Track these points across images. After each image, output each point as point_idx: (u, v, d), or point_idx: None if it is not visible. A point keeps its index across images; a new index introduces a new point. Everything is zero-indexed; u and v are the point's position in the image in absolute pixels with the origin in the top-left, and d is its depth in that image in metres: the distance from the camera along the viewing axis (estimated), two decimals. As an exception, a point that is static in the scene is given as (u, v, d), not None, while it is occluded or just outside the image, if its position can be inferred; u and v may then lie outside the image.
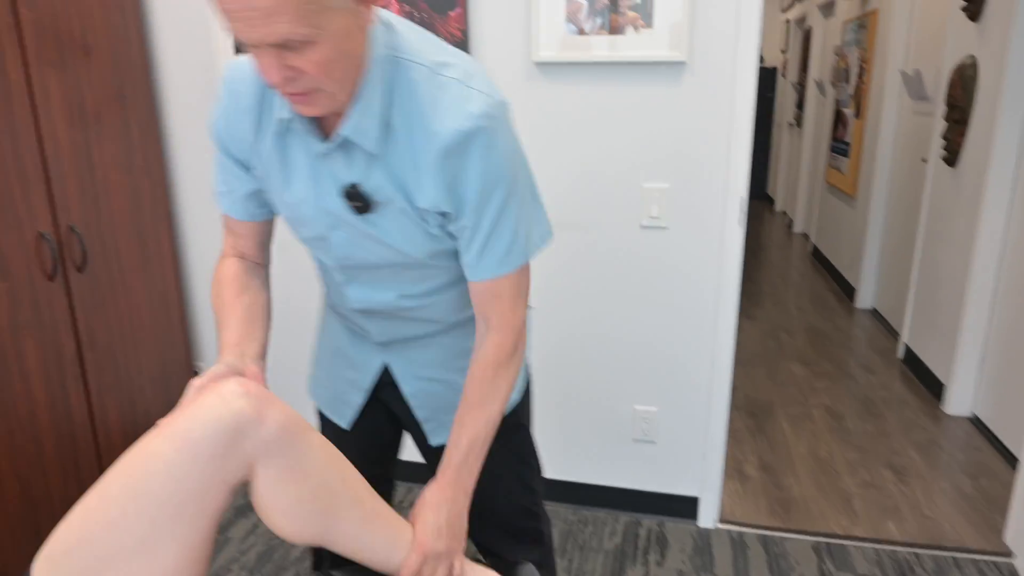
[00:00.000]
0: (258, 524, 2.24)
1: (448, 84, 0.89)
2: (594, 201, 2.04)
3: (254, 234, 1.10)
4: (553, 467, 2.32)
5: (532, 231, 1.01)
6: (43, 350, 1.85)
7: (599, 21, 1.88)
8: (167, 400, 2.32)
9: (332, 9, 0.76)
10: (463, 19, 1.96)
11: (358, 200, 0.93)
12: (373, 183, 0.93)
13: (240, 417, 0.80)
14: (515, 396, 1.22)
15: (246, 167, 1.02)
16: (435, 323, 1.12)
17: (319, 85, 0.82)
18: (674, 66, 1.88)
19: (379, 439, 1.27)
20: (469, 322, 1.14)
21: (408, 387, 1.17)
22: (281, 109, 0.92)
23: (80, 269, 1.95)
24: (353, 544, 0.92)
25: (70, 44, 1.89)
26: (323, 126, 0.94)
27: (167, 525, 0.79)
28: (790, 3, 7.28)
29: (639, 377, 2.16)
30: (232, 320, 1.00)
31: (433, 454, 1.21)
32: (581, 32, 1.89)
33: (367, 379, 1.19)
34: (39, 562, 0.79)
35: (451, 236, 0.99)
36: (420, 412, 1.19)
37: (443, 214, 0.95)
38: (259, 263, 1.13)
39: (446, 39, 1.98)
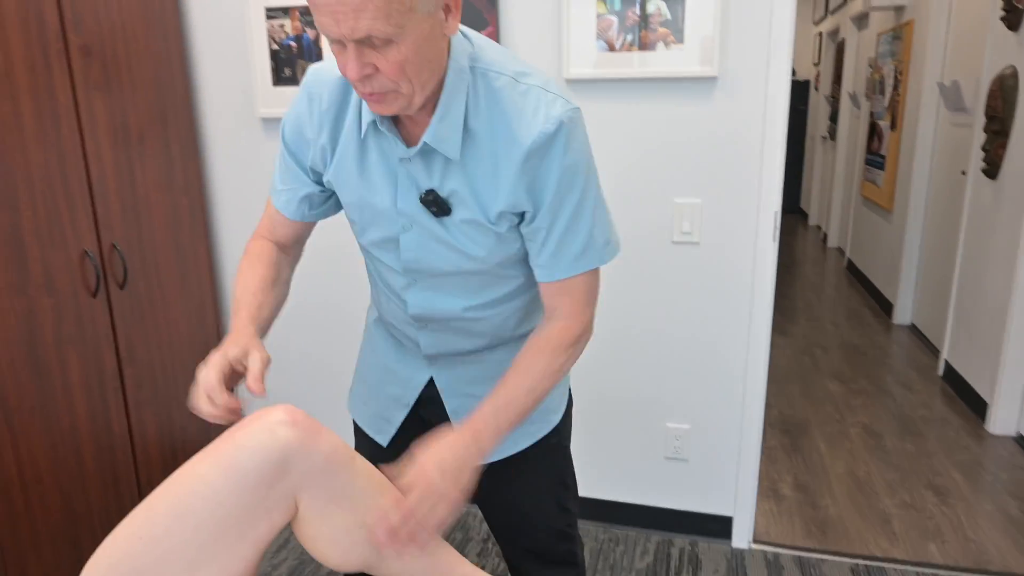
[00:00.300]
0: (289, 539, 2.26)
1: (530, 90, 0.94)
2: (626, 217, 2.03)
3: (297, 231, 1.14)
4: (584, 485, 2.30)
5: (607, 235, 1.04)
6: (85, 364, 1.90)
7: (629, 37, 1.88)
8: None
9: (417, 12, 0.80)
10: (495, 37, 1.98)
11: (435, 205, 0.97)
12: (449, 187, 0.97)
13: (287, 448, 0.81)
14: (557, 417, 1.21)
15: (308, 169, 1.06)
16: (488, 337, 1.13)
17: (395, 86, 0.85)
18: (705, 81, 1.88)
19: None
20: (521, 339, 1.12)
21: (452, 403, 1.17)
22: (368, 113, 0.95)
23: (121, 286, 2.00)
24: (394, 570, 0.93)
25: (115, 68, 1.95)
26: (407, 132, 0.98)
27: (209, 547, 0.80)
28: (822, 16, 7.21)
29: (671, 394, 2.14)
30: (255, 281, 1.05)
31: (487, 478, 1.18)
32: (611, 49, 1.90)
33: (411, 394, 1.19)
34: (85, 573, 0.81)
35: (522, 239, 1.02)
36: None
37: (519, 215, 0.98)
38: (291, 255, 1.17)
39: (477, 58, 2.00)
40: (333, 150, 1.02)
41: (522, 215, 0.98)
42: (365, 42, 0.80)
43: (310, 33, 2.13)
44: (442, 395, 1.18)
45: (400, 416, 1.21)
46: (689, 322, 2.07)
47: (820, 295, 4.98)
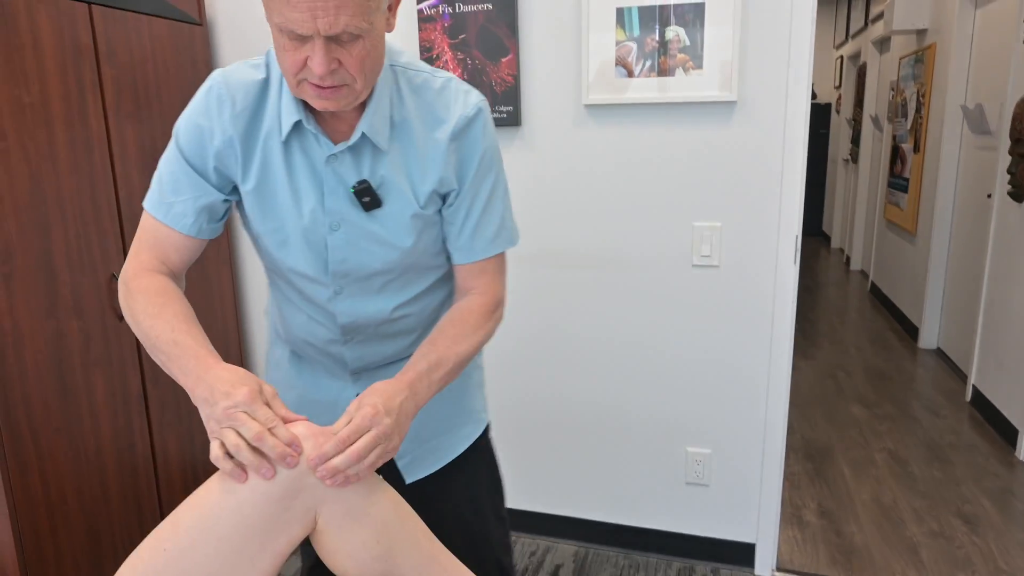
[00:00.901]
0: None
1: (447, 83, 1.03)
2: (645, 240, 2.04)
3: (191, 251, 1.03)
4: (603, 510, 2.28)
5: (513, 221, 1.12)
6: (111, 386, 1.93)
7: (648, 64, 1.90)
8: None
9: (380, 10, 0.85)
10: (515, 65, 2.01)
11: (367, 194, 0.98)
12: (379, 177, 0.99)
13: (307, 463, 0.82)
14: (486, 416, 1.28)
15: (209, 174, 0.99)
16: (412, 337, 1.14)
17: (352, 80, 0.88)
18: (724, 106, 1.89)
19: None
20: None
21: None
22: (290, 114, 0.95)
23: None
24: None
25: (145, 97, 2.00)
26: (330, 130, 0.99)
27: (231, 560, 0.81)
28: (843, 40, 7.22)
29: (692, 418, 2.12)
30: (199, 334, 0.91)
31: (409, 493, 1.14)
32: (630, 75, 1.92)
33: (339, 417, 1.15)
34: (124, 572, 0.83)
35: (442, 223, 1.06)
36: None
37: (443, 196, 1.03)
38: (182, 288, 1.04)
39: (498, 84, 2.03)
40: (248, 155, 0.98)
41: (445, 196, 1.04)
42: (335, 38, 0.83)
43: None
44: None
45: None
46: (709, 345, 2.05)
47: (843, 318, 4.92)
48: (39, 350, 1.73)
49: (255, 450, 0.80)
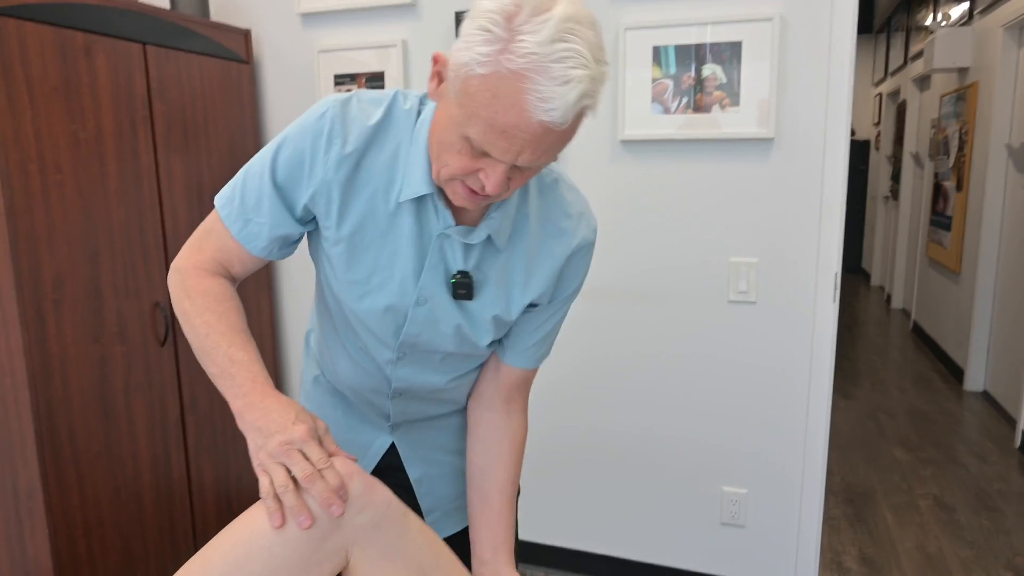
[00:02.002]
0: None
1: (571, 191, 0.99)
2: (680, 275, 2.02)
3: (254, 267, 1.00)
4: (635, 548, 2.23)
5: None
6: (151, 411, 1.97)
7: (685, 100, 1.91)
8: (258, 463, 2.40)
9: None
10: (550, 101, 2.03)
11: (463, 288, 0.94)
12: (482, 273, 0.95)
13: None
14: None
15: (295, 207, 0.93)
16: (454, 404, 1.13)
17: (509, 194, 0.85)
18: (762, 143, 1.89)
19: None
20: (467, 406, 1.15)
21: (415, 471, 1.14)
22: (420, 183, 0.88)
23: (188, 335, 2.08)
24: None
25: (193, 132, 2.08)
26: (453, 208, 0.92)
27: None
28: (882, 77, 7.17)
29: (728, 457, 2.08)
30: (254, 352, 0.91)
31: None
32: (667, 111, 1.93)
33: (370, 463, 1.15)
34: None
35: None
36: (425, 501, 1.15)
37: (532, 305, 1.00)
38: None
39: (534, 120, 2.06)
40: (347, 203, 0.90)
41: (535, 306, 1.01)
42: (526, 166, 0.78)
43: (436, 56, 2.23)
44: (405, 463, 1.14)
45: None
46: (746, 383, 2.02)
47: (884, 358, 4.80)
48: (84, 375, 1.77)
49: (298, 494, 0.80)
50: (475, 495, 1.08)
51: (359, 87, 2.24)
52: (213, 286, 0.93)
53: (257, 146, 2.35)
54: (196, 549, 2.13)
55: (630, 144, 2.00)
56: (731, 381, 2.03)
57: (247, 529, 0.83)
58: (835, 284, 1.90)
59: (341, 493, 0.80)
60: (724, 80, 1.87)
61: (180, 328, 2.03)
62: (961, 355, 4.21)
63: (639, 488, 2.19)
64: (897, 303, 6.25)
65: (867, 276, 7.82)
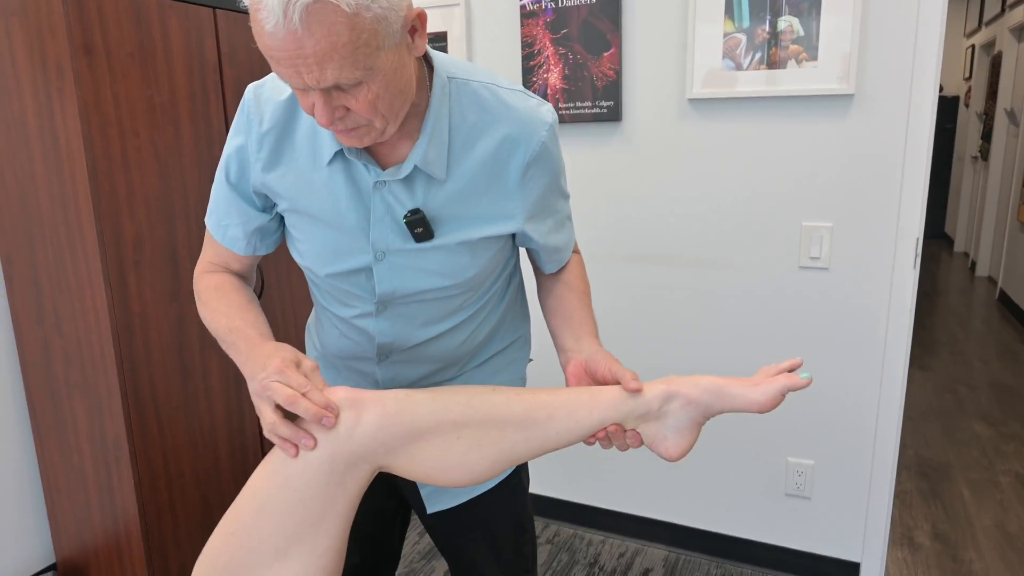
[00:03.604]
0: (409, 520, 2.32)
1: (512, 96, 0.94)
2: (749, 240, 1.96)
3: (251, 263, 1.06)
4: (696, 516, 2.22)
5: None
6: (224, 369, 2.05)
7: (759, 56, 1.83)
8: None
9: (383, 49, 0.75)
10: (617, 59, 1.98)
11: (420, 225, 0.91)
12: (434, 207, 0.92)
13: (337, 432, 0.84)
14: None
15: (252, 198, 0.98)
16: (446, 363, 1.08)
17: (368, 122, 0.81)
18: (841, 99, 1.79)
19: (381, 511, 1.20)
20: (475, 371, 1.12)
21: None
22: (332, 143, 0.89)
23: (259, 295, 2.15)
24: (536, 445, 0.88)
25: (261, 95, 2.11)
26: (379, 154, 0.92)
27: (293, 532, 0.84)
28: (975, 27, 6.68)
29: (794, 427, 2.03)
30: (254, 318, 0.96)
31: (430, 521, 1.15)
32: (739, 67, 1.85)
33: None
34: (196, 568, 0.88)
35: (497, 247, 1.00)
36: None
37: (515, 222, 0.97)
38: (250, 284, 1.09)
39: (599, 79, 2.01)
40: (281, 179, 0.94)
41: (515, 222, 0.97)
42: (332, 88, 0.76)
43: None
44: None
45: None
46: (816, 352, 1.95)
47: (966, 328, 4.56)
48: (163, 332, 1.86)
49: (291, 423, 0.82)
50: (550, 309, 1.10)
51: (422, 48, 2.23)
52: (212, 280, 1.02)
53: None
54: (269, 500, 2.23)
55: (699, 103, 1.93)
56: (800, 350, 1.97)
57: (263, 472, 0.86)
58: (916, 250, 1.80)
59: (329, 408, 0.82)
60: (801, 33, 1.77)
61: (251, 289, 2.10)
62: (1052, 326, 3.97)
63: (702, 456, 2.16)
64: (983, 270, 5.92)
65: (950, 242, 7.43)
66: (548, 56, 2.06)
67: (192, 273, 1.91)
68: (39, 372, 1.91)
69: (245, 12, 2.01)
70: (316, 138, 0.91)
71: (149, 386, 1.83)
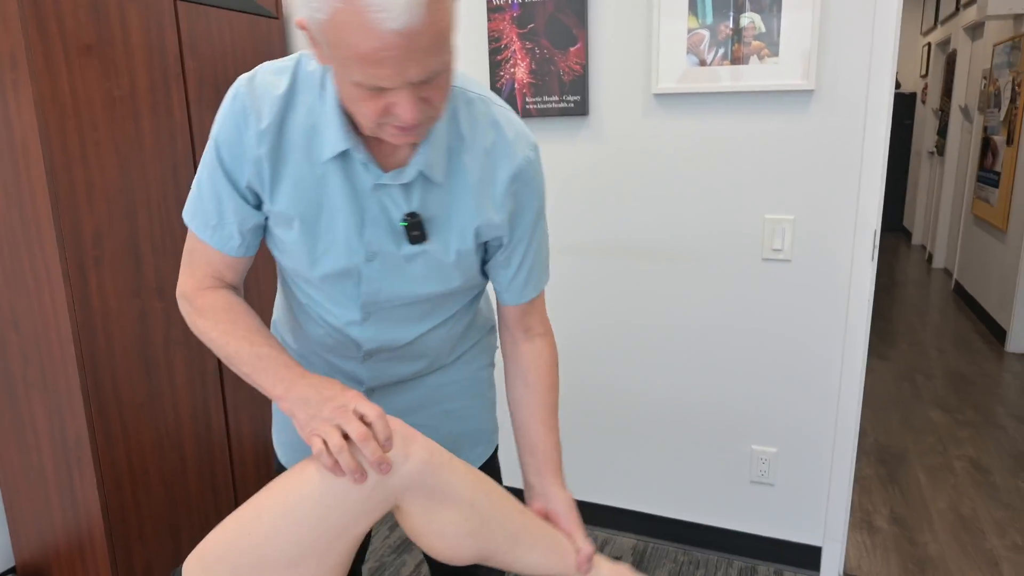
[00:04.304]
0: (370, 541, 2.32)
1: (505, 113, 0.95)
2: (714, 232, 1.99)
3: (244, 267, 1.00)
4: (663, 504, 2.25)
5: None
6: (190, 365, 2.02)
7: (721, 52, 1.85)
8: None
9: (455, 26, 0.76)
10: (583, 54, 1.99)
11: (416, 228, 0.91)
12: (430, 211, 0.92)
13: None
14: (497, 436, 1.24)
15: (247, 197, 0.93)
16: (429, 360, 1.10)
17: (436, 111, 0.80)
18: (801, 95, 1.83)
19: None
20: (455, 362, 1.14)
21: None
22: (337, 141, 0.87)
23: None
24: (508, 558, 0.95)
25: (224, 87, 2.08)
26: (379, 156, 0.91)
27: (311, 546, 0.84)
28: (931, 26, 6.86)
29: (758, 416, 2.07)
30: (278, 345, 0.94)
31: None
32: (703, 63, 1.88)
33: None
34: (190, 562, 0.87)
35: (481, 259, 1.02)
36: None
37: (494, 239, 0.99)
38: (240, 293, 1.04)
39: (565, 74, 2.02)
40: (277, 175, 0.90)
41: (496, 240, 0.98)
42: (426, 79, 0.74)
43: (298, 24, 2.20)
44: None
45: None
46: (779, 342, 2.00)
47: (923, 318, 4.70)
48: (126, 329, 1.82)
49: (353, 453, 0.82)
50: (516, 426, 1.10)
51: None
52: (218, 299, 0.96)
53: (288, 103, 2.35)
54: (236, 497, 2.21)
55: (664, 98, 1.96)
56: (764, 340, 2.01)
57: (299, 478, 0.86)
58: (874, 242, 1.85)
59: (387, 446, 0.83)
60: (763, 30, 1.81)
61: (216, 284, 2.07)
62: (1004, 316, 4.11)
63: (669, 446, 2.20)
64: (939, 262, 6.09)
65: (908, 235, 7.62)
66: (515, 51, 2.06)
67: (154, 268, 1.88)
68: (-4, 371, 1.86)
69: (207, 4, 1.98)
70: (313, 135, 0.89)
71: (112, 384, 1.80)
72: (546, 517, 1.04)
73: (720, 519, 2.20)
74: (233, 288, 1.00)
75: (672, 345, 2.12)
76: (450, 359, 1.13)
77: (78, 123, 1.67)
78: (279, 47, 2.29)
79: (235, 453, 2.21)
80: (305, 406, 0.86)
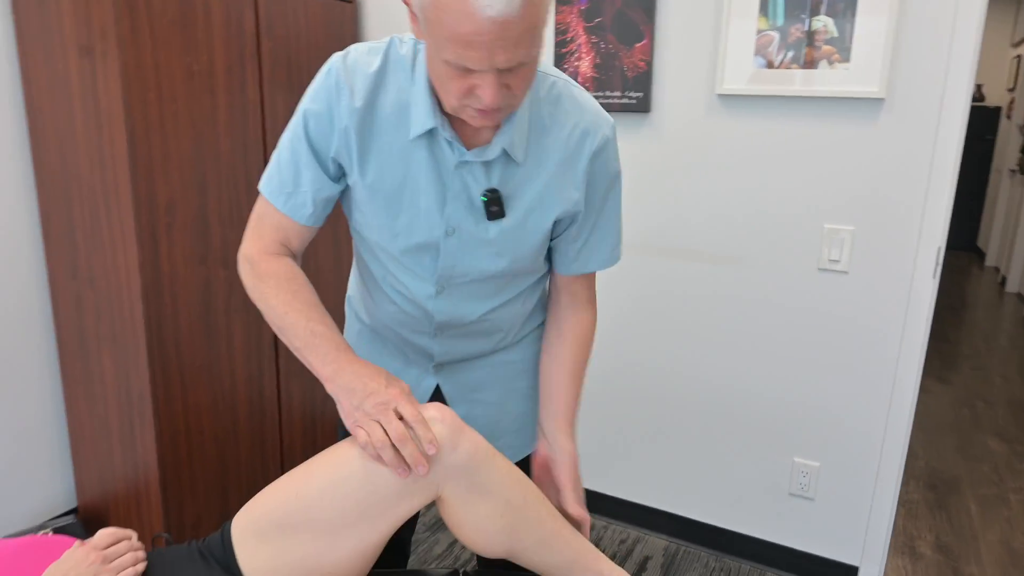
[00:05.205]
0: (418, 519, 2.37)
1: (582, 94, 1.00)
2: (769, 238, 1.96)
3: (310, 236, 1.05)
4: (699, 509, 2.24)
5: (621, 238, 1.12)
6: (248, 333, 2.11)
7: (791, 55, 1.82)
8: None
9: (545, 24, 0.81)
10: (648, 51, 1.98)
11: (495, 205, 0.96)
12: (508, 189, 0.97)
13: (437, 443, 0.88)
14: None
15: (329, 168, 0.98)
16: (497, 338, 1.14)
17: (515, 99, 0.85)
18: (871, 103, 1.78)
19: None
20: (522, 341, 1.18)
21: (460, 410, 1.17)
22: (425, 119, 0.91)
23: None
24: (536, 559, 0.98)
25: (296, 68, 2.15)
26: (463, 135, 0.95)
27: (354, 520, 0.88)
28: (1023, 38, 6.52)
29: (802, 428, 2.04)
30: (333, 324, 0.98)
31: None
32: (770, 65, 1.85)
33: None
34: (240, 516, 0.93)
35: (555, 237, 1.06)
36: None
37: (571, 215, 1.02)
38: (299, 262, 1.08)
39: (629, 70, 2.02)
40: (365, 149, 0.95)
41: (569, 216, 1.02)
42: (510, 68, 0.79)
43: None
44: (449, 403, 1.17)
45: None
46: (830, 354, 1.96)
47: (991, 343, 4.50)
48: (191, 294, 1.91)
49: (395, 448, 0.86)
50: (542, 373, 1.13)
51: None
52: (281, 267, 1.00)
53: (356, 86, 2.41)
54: (283, 462, 2.30)
55: (728, 99, 1.93)
56: (814, 352, 1.98)
57: (348, 453, 0.90)
58: (937, 259, 1.79)
59: (430, 450, 0.86)
60: (835, 34, 1.77)
61: (277, 257, 2.14)
62: (1079, 346, 3.90)
63: (709, 450, 2.18)
64: (1013, 286, 5.82)
65: (981, 255, 7.30)
66: (580, 44, 2.07)
67: (221, 238, 1.97)
68: (71, 325, 1.98)
69: (286, -14, 2.04)
70: (402, 113, 0.93)
71: (174, 344, 1.89)
72: (547, 462, 1.08)
73: (755, 529, 2.17)
74: (295, 257, 1.04)
75: (718, 349, 2.10)
76: (516, 338, 1.17)
77: (159, 95, 1.76)
78: (351, 31, 2.35)
79: (284, 420, 2.29)
80: (350, 395, 0.89)
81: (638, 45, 1.99)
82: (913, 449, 3.00)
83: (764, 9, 1.83)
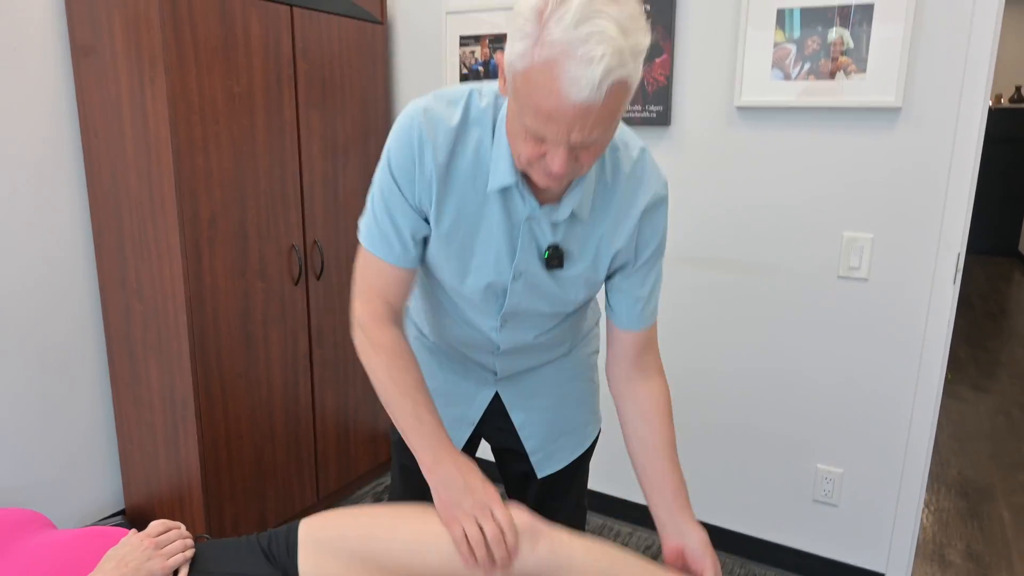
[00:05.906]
0: None
1: (642, 155, 1.05)
2: (789, 246, 2.00)
3: (409, 284, 1.08)
4: (722, 515, 2.26)
5: None
6: (284, 342, 2.20)
7: (807, 66, 1.86)
8: (373, 398, 2.61)
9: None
10: (668, 65, 2.04)
11: (556, 259, 1.03)
12: (569, 243, 1.04)
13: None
14: (600, 423, 1.35)
15: (419, 212, 1.02)
16: (552, 352, 1.23)
17: (582, 168, 0.89)
18: (888, 112, 1.81)
19: None
20: (573, 350, 1.27)
21: (518, 416, 1.25)
22: (505, 175, 0.96)
23: (318, 277, 2.30)
24: None
25: (331, 89, 2.25)
26: (534, 189, 0.99)
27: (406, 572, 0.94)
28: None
29: (826, 434, 2.06)
30: (435, 411, 1.04)
31: (538, 486, 1.31)
32: (787, 77, 1.89)
33: (476, 412, 1.26)
34: (312, 521, 0.99)
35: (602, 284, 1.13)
36: (530, 443, 1.26)
37: (622, 267, 1.08)
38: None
39: (649, 84, 2.07)
40: (443, 198, 1.00)
41: (622, 264, 1.08)
42: (581, 145, 0.83)
43: (497, 58, 2.31)
44: (509, 409, 1.25)
45: (465, 434, 1.27)
46: (852, 361, 1.98)
47: (1030, 352, 4.41)
48: (231, 305, 2.02)
49: (487, 547, 0.92)
50: (639, 465, 1.13)
51: (482, 48, 2.33)
52: (391, 340, 1.05)
53: (388, 105, 2.51)
54: (318, 468, 2.39)
55: (747, 111, 1.98)
56: (836, 359, 2.00)
57: (436, 527, 0.96)
58: (957, 265, 1.81)
59: (514, 553, 0.93)
60: (851, 45, 1.80)
61: (312, 269, 2.24)
62: (1121, 354, 3.81)
63: (732, 457, 2.21)
64: (1055, 293, 5.68)
65: (1023, 260, 7.13)
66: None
67: (259, 252, 2.07)
68: (120, 333, 2.10)
69: (320, 10, 2.15)
70: (479, 166, 0.98)
71: (216, 353, 1.99)
72: (681, 554, 1.08)
73: (779, 535, 2.19)
74: (400, 318, 1.10)
75: (740, 357, 2.13)
76: (566, 350, 1.26)
77: (202, 116, 1.87)
78: (382, 52, 2.45)
79: (318, 426, 2.38)
80: (449, 489, 0.97)
81: (658, 60, 2.05)
82: (945, 457, 2.97)
83: (781, 22, 1.87)
